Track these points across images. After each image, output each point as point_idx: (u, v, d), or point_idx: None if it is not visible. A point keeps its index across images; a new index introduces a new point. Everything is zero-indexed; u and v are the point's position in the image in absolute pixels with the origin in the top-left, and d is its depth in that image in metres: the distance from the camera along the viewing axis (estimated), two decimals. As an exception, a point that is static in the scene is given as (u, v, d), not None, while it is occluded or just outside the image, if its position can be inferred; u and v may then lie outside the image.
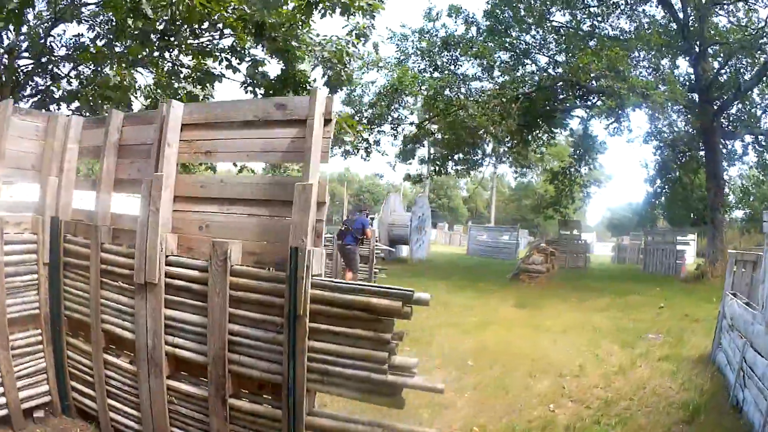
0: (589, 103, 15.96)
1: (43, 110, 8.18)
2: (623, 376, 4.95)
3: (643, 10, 15.98)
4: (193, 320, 2.78)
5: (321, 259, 2.44)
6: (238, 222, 2.73)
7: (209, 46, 8.25)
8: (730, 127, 15.62)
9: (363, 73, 15.67)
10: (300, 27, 7.45)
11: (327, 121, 2.53)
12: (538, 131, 17.60)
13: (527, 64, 16.51)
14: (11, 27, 6.61)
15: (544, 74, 15.83)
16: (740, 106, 15.32)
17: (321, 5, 7.13)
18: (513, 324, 7.43)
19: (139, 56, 7.79)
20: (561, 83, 15.31)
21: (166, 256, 2.90)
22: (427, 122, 17.29)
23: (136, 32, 6.58)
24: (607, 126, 16.45)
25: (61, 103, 8.17)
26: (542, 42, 16.50)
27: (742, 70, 14.19)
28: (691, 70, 15.31)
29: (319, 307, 2.37)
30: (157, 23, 5.99)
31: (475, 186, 39.43)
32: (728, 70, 14.59)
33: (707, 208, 14.98)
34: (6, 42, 7.93)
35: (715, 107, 14.51)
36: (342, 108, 15.66)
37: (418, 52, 16.20)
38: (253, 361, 2.57)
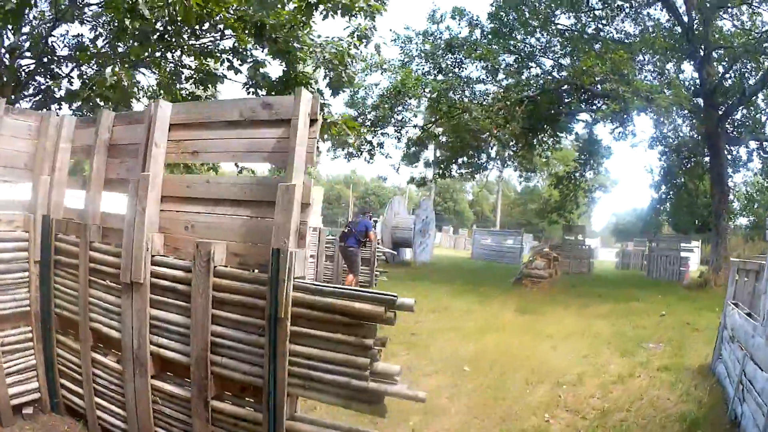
0: (593, 107, 15.86)
1: (44, 110, 8.23)
2: (621, 385, 4.86)
3: (648, 13, 15.92)
4: (177, 321, 2.76)
5: (304, 261, 2.41)
6: (223, 223, 2.70)
7: (210, 47, 8.26)
8: (735, 133, 15.51)
9: (366, 75, 15.68)
10: (301, 28, 7.43)
11: (313, 121, 2.49)
12: (542, 135, 17.50)
13: (532, 67, 16.45)
14: (11, 27, 6.64)
15: (549, 77, 15.74)
16: (745, 111, 15.22)
17: (322, 6, 7.11)
18: (513, 330, 7.34)
19: (141, 57, 7.83)
20: (566, 87, 15.21)
21: (152, 256, 2.88)
22: (431, 125, 17.24)
23: (136, 33, 6.59)
24: (612, 130, 16.35)
25: (62, 102, 8.21)
26: (547, 45, 16.44)
27: (746, 75, 14.07)
28: (695, 75, 15.20)
29: (300, 310, 2.33)
30: (156, 24, 5.97)
31: (480, 189, 39.30)
32: (733, 74, 14.49)
33: (712, 215, 14.82)
34: (7, 42, 7.98)
35: (720, 112, 14.38)
36: (345, 110, 15.70)
37: (422, 55, 16.16)
38: (235, 363, 2.54)
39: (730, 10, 14.41)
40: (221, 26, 7.82)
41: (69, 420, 3.45)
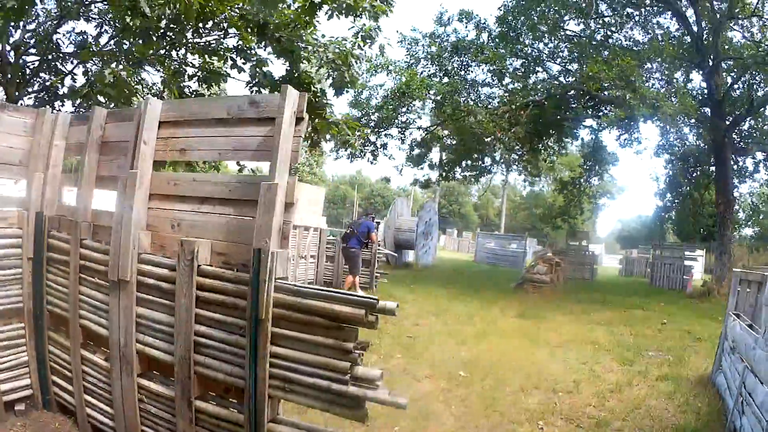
0: (600, 113, 15.75)
1: (47, 106, 8.27)
2: (619, 394, 4.77)
3: (657, 22, 15.80)
4: (162, 319, 2.74)
5: (287, 261, 2.36)
6: (208, 221, 2.67)
7: (213, 45, 8.26)
8: (741, 144, 15.39)
9: (371, 76, 15.63)
10: (304, 28, 7.42)
11: (299, 120, 2.45)
12: (548, 140, 17.41)
13: (538, 71, 16.35)
14: (12, 25, 6.68)
15: (555, 82, 15.65)
16: (752, 122, 15.08)
17: (326, 6, 7.09)
18: (512, 335, 7.26)
19: (146, 55, 7.84)
20: (572, 92, 15.12)
21: (139, 254, 2.86)
22: (435, 127, 17.18)
23: (139, 31, 6.60)
24: (618, 137, 16.25)
25: (65, 99, 8.25)
26: (555, 50, 16.35)
27: (755, 86, 13.94)
28: (704, 84, 15.07)
29: (281, 312, 2.29)
30: (158, 21, 5.97)
31: (483, 192, 39.20)
32: (741, 85, 14.37)
33: (716, 224, 14.69)
34: (12, 39, 8.02)
35: (728, 122, 14.26)
36: (349, 110, 15.66)
37: (428, 57, 16.10)
38: (217, 363, 2.51)
39: (740, 21, 14.32)
40: (225, 25, 7.83)
41: (60, 417, 3.45)
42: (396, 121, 15.77)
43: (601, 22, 15.77)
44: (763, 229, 15.32)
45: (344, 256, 10.15)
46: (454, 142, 17.04)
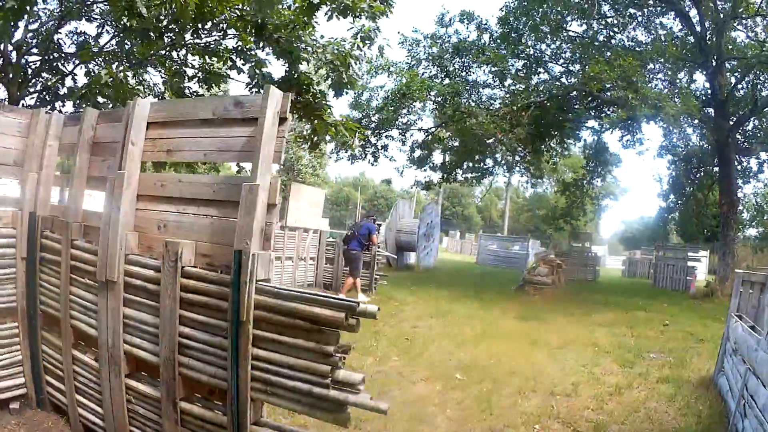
0: (602, 114, 15.66)
1: (48, 107, 8.30)
2: (618, 397, 4.69)
3: (660, 22, 15.71)
4: (148, 320, 2.73)
5: (269, 263, 2.33)
6: (193, 222, 2.66)
7: (213, 46, 8.26)
8: (745, 144, 15.30)
9: (371, 77, 15.60)
10: (303, 28, 7.40)
11: (282, 120, 2.43)
12: (550, 141, 17.32)
13: (540, 72, 16.27)
14: (12, 25, 6.70)
15: (557, 83, 15.58)
16: (756, 122, 14.97)
17: (325, 7, 7.06)
18: (511, 337, 7.19)
19: (147, 56, 7.85)
20: (574, 93, 15.03)
21: (126, 255, 2.86)
22: (436, 129, 17.12)
23: (139, 31, 6.61)
24: (621, 138, 16.15)
25: (65, 100, 8.27)
26: (557, 51, 16.27)
27: (759, 86, 13.85)
28: (707, 85, 14.97)
29: (263, 314, 2.26)
30: (156, 22, 5.96)
31: (485, 194, 39.11)
32: (745, 85, 14.26)
33: (720, 225, 14.58)
34: (14, 39, 8.04)
35: (731, 123, 14.14)
36: (350, 112, 15.62)
37: (430, 58, 16.04)
38: (201, 365, 2.49)
39: (743, 21, 14.22)
40: (224, 25, 7.83)
41: (54, 416, 3.46)
42: (397, 122, 15.70)
43: (603, 22, 15.70)
44: (767, 230, 15.18)
45: (345, 258, 10.11)
46: (456, 144, 16.97)
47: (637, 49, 14.67)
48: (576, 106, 15.36)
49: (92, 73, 8.57)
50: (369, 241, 9.98)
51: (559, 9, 14.85)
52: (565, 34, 15.85)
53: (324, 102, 7.93)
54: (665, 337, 7.65)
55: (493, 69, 14.87)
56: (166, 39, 7.75)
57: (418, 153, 17.46)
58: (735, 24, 14.08)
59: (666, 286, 16.62)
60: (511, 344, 6.68)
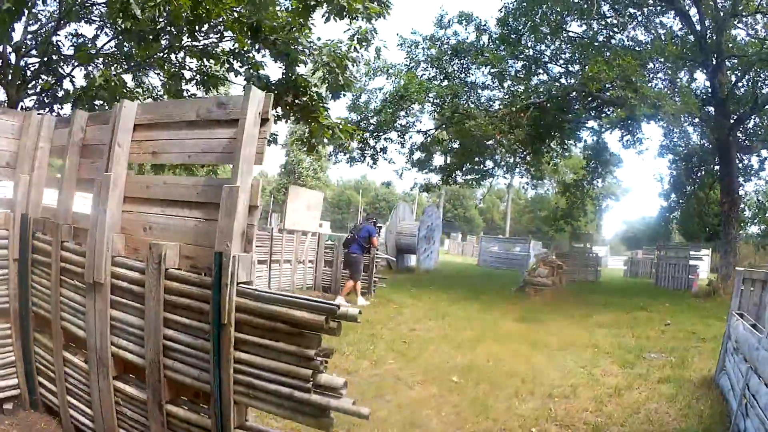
0: (603, 114, 15.60)
1: (47, 109, 8.30)
2: (618, 398, 4.62)
3: (660, 21, 15.65)
4: (134, 322, 2.72)
5: (251, 266, 2.31)
6: (177, 224, 2.65)
7: (210, 48, 8.25)
8: (746, 142, 15.20)
9: (369, 79, 15.56)
10: (299, 30, 7.38)
11: (264, 121, 2.41)
12: (550, 142, 17.25)
13: (540, 73, 16.22)
14: (10, 27, 6.71)
15: (557, 84, 15.52)
16: (757, 120, 14.88)
17: (320, 8, 7.04)
18: (510, 339, 7.12)
19: (146, 58, 7.84)
20: (574, 93, 14.97)
21: (113, 257, 2.85)
22: (434, 130, 17.07)
23: (136, 33, 6.60)
24: (621, 138, 16.07)
25: (63, 102, 8.26)
26: (556, 51, 16.22)
27: (759, 84, 13.74)
28: (708, 83, 14.90)
29: (244, 317, 2.23)
30: (152, 24, 5.96)
31: (485, 195, 39.01)
32: (745, 83, 14.17)
33: (721, 223, 14.49)
34: (13, 41, 8.05)
35: (732, 121, 14.06)
36: (348, 114, 15.59)
37: (428, 60, 16.00)
38: (186, 367, 2.47)
39: (744, 18, 14.14)
40: (221, 28, 7.82)
41: (46, 417, 3.46)
42: (395, 124, 15.66)
43: (603, 23, 15.65)
44: (769, 227, 15.14)
45: (345, 261, 10.06)
46: (455, 146, 16.91)
47: (636, 48, 14.62)
48: (576, 107, 15.31)
49: (91, 76, 8.59)
50: (369, 244, 9.94)
51: (558, 9, 14.80)
52: (564, 34, 15.80)
53: (321, 104, 7.91)
54: (666, 337, 7.57)
55: (492, 70, 14.83)
56: (163, 42, 7.75)
57: (417, 155, 17.41)
58: (735, 22, 14.00)
59: (668, 286, 16.51)
60: (510, 346, 6.62)
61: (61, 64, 8.59)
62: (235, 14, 6.99)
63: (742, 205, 15.39)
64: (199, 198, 2.56)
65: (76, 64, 8.11)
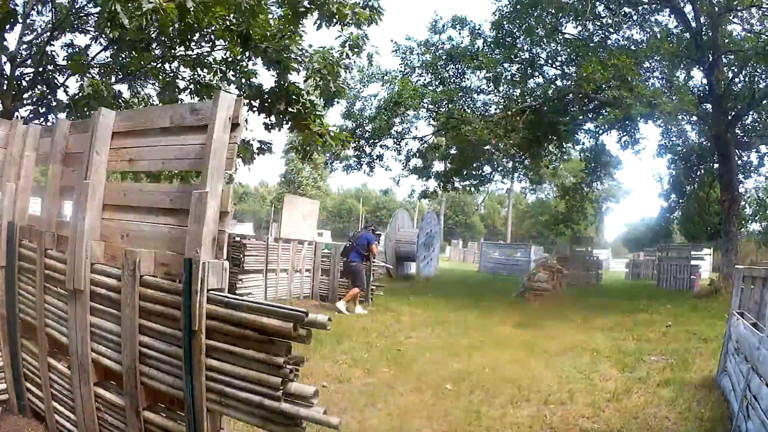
0: (600, 115, 15.54)
1: (41, 118, 8.32)
2: (616, 403, 4.51)
3: (656, 20, 15.63)
4: (112, 329, 2.72)
5: (221, 272, 2.28)
6: (153, 231, 2.65)
7: (202, 57, 8.26)
8: (744, 138, 15.12)
9: (364, 86, 15.58)
10: (290, 38, 7.37)
11: (235, 126, 2.40)
12: (548, 145, 17.20)
13: (536, 76, 16.19)
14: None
15: (553, 86, 15.49)
16: (755, 115, 14.81)
17: (310, 15, 7.04)
18: (508, 345, 7.02)
19: (140, 68, 7.85)
20: (570, 95, 14.93)
21: (92, 264, 2.86)
22: (429, 136, 17.04)
23: (127, 42, 6.61)
24: (619, 139, 15.99)
25: (59, 112, 8.27)
26: (552, 54, 16.19)
27: (756, 78, 13.65)
28: (705, 81, 14.84)
29: (215, 324, 2.20)
30: (139, 34, 5.96)
31: (483, 200, 38.86)
32: (742, 78, 14.11)
33: (722, 222, 14.37)
34: (8, 51, 8.07)
35: (730, 117, 13.98)
36: (342, 122, 15.60)
37: (423, 65, 15.98)
38: (161, 374, 2.46)
39: (739, 13, 14.07)
40: (212, 37, 7.83)
41: (34, 422, 3.45)
42: (391, 131, 15.62)
43: (598, 23, 15.65)
44: (770, 223, 15.03)
45: (345, 269, 9.98)
46: (452, 152, 16.86)
47: (632, 48, 14.59)
48: (572, 109, 15.26)
49: (81, 85, 8.59)
50: (368, 252, 9.87)
51: (553, 11, 14.81)
52: (560, 36, 15.78)
53: (313, 112, 7.88)
54: (667, 339, 7.46)
55: (486, 74, 14.82)
56: (156, 51, 7.75)
57: (413, 162, 17.37)
58: (730, 17, 13.92)
59: (670, 287, 16.37)
60: (507, 352, 6.51)
61: (56, 73, 8.62)
62: (227, 23, 6.99)
63: (743, 203, 15.28)
64: (172, 205, 2.55)
65: (69, 73, 8.13)
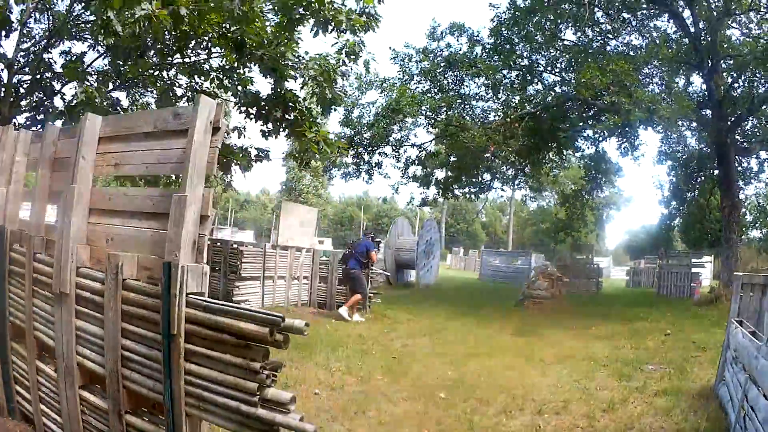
0: (599, 122, 15.49)
1: (39, 125, 8.36)
2: (611, 413, 4.44)
3: (654, 25, 15.63)
4: (97, 332, 2.72)
5: (201, 276, 2.27)
6: (136, 235, 2.65)
7: (199, 65, 8.29)
8: (744, 144, 15.05)
9: (362, 93, 15.59)
10: (286, 45, 7.39)
11: (216, 130, 2.40)
12: (548, 153, 17.15)
13: (534, 82, 16.18)
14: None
15: (551, 93, 15.48)
16: (755, 121, 14.76)
17: (306, 21, 7.05)
18: (505, 353, 6.95)
19: (137, 75, 7.86)
20: (569, 102, 14.90)
21: (77, 268, 2.87)
22: (428, 143, 17.02)
23: (122, 49, 6.63)
24: (619, 146, 15.93)
25: (54, 119, 8.29)
26: (552, 60, 16.19)
27: (755, 84, 13.57)
28: (704, 86, 14.81)
29: (194, 328, 2.19)
30: (132, 40, 5.98)
31: (481, 207, 38.80)
32: (741, 83, 14.04)
33: (723, 228, 14.28)
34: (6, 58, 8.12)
35: (729, 123, 13.90)
36: (341, 129, 15.61)
37: (422, 72, 15.98)
38: (143, 378, 2.45)
39: (737, 18, 14.07)
40: (208, 44, 7.86)
41: (23, 425, 3.44)
42: (389, 138, 15.61)
43: (597, 29, 15.66)
44: (771, 230, 14.94)
45: (345, 277, 9.93)
46: (452, 159, 16.82)
47: (631, 53, 14.58)
48: (572, 116, 15.23)
49: (74, 92, 8.62)
50: (367, 259, 9.84)
51: (552, 18, 14.83)
52: (560, 43, 15.80)
53: (309, 119, 7.88)
54: (666, 347, 7.37)
55: (485, 81, 14.82)
56: (153, 59, 7.78)
57: (412, 169, 17.33)
58: (729, 22, 13.91)
59: (670, 295, 16.23)
60: (504, 361, 6.45)
61: (53, 80, 8.66)
62: (222, 30, 7.01)
63: (743, 209, 15.20)
64: (155, 209, 2.55)
65: (66, 80, 8.17)
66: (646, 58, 13.49)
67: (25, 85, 8.60)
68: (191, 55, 8.30)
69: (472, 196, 18.69)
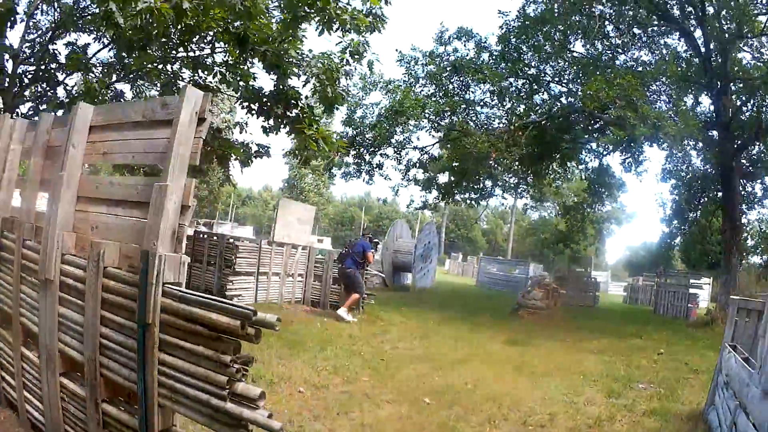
0: (604, 135, 15.43)
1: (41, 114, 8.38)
2: (597, 430, 4.39)
3: (665, 42, 15.58)
4: (78, 320, 2.73)
5: (179, 266, 2.27)
6: (119, 223, 2.64)
7: (202, 59, 8.28)
8: (750, 168, 14.94)
9: (365, 93, 15.55)
10: (290, 42, 7.38)
11: (201, 120, 2.41)
12: (551, 163, 17.09)
13: (540, 92, 16.13)
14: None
15: (557, 103, 15.42)
16: (762, 146, 14.66)
17: (311, 19, 7.03)
18: (495, 362, 6.91)
19: (141, 68, 7.87)
20: (575, 114, 14.83)
21: (62, 255, 2.87)
22: (430, 147, 16.96)
23: (124, 41, 6.62)
24: (623, 161, 15.85)
25: (56, 108, 8.32)
26: (559, 71, 16.14)
27: (765, 108, 13.45)
28: (712, 107, 14.73)
29: (169, 318, 2.20)
30: (134, 33, 5.98)
31: (480, 214, 38.75)
32: (750, 107, 13.92)
33: (723, 251, 14.19)
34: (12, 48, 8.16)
35: (735, 146, 13.84)
36: (343, 129, 15.57)
37: (427, 76, 15.93)
38: (119, 367, 2.46)
39: (750, 42, 14.02)
40: (212, 39, 7.85)
41: (7, 412, 3.45)
42: (391, 140, 15.56)
43: (607, 43, 15.62)
44: (771, 256, 14.83)
45: (340, 276, 9.92)
46: (454, 164, 16.76)
47: (639, 69, 14.52)
48: (576, 128, 15.16)
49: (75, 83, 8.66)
50: (364, 259, 9.82)
51: (561, 29, 14.79)
52: (568, 54, 15.75)
53: (311, 117, 7.87)
54: (658, 367, 7.30)
55: (491, 88, 14.78)
56: (157, 52, 7.78)
57: (413, 172, 17.29)
58: (740, 44, 13.84)
59: (667, 314, 16.16)
60: (493, 369, 6.40)
61: (57, 71, 8.68)
62: (227, 25, 7.00)
63: (745, 234, 15.11)
64: (138, 197, 2.55)
65: (68, 71, 8.19)
66: (654, 74, 13.44)
67: (29, 76, 8.62)
68: (195, 49, 8.30)
69: (473, 202, 18.60)
